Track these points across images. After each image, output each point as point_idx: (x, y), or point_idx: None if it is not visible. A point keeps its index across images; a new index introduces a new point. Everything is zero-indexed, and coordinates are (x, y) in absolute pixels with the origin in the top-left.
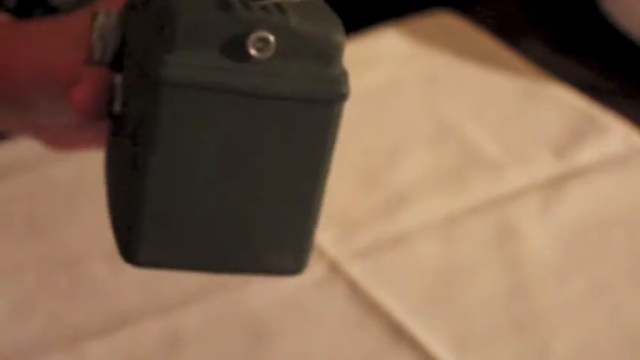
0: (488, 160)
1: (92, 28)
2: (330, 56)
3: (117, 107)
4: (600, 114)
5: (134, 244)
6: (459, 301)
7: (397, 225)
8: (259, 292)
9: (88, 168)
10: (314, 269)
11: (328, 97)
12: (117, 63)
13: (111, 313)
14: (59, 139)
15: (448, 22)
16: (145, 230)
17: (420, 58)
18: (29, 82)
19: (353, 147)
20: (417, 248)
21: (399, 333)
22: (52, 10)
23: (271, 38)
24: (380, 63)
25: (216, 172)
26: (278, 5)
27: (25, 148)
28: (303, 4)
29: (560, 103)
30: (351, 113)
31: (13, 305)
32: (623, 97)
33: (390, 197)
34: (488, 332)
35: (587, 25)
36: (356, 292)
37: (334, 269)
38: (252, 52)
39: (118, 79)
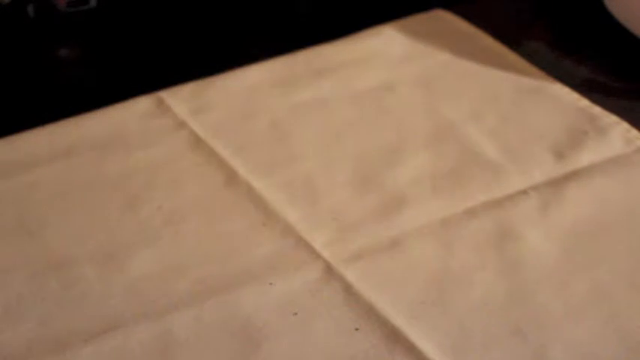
0: (486, 161)
1: None
2: None
3: None
4: (601, 114)
5: None
6: (456, 304)
7: (394, 227)
8: (252, 296)
9: (77, 170)
10: (308, 272)
11: None
12: None
13: (101, 318)
14: None
15: (446, 20)
16: None
17: (418, 57)
18: None
19: (349, 147)
20: (413, 251)
21: (394, 337)
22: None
23: None
24: (377, 63)
25: None
26: None
27: (16, 148)
28: None
29: (560, 103)
30: (347, 113)
31: (2, 309)
32: (624, 98)
33: (386, 199)
34: (485, 337)
35: (587, 24)
36: (351, 296)
37: (329, 272)
38: None
39: None
